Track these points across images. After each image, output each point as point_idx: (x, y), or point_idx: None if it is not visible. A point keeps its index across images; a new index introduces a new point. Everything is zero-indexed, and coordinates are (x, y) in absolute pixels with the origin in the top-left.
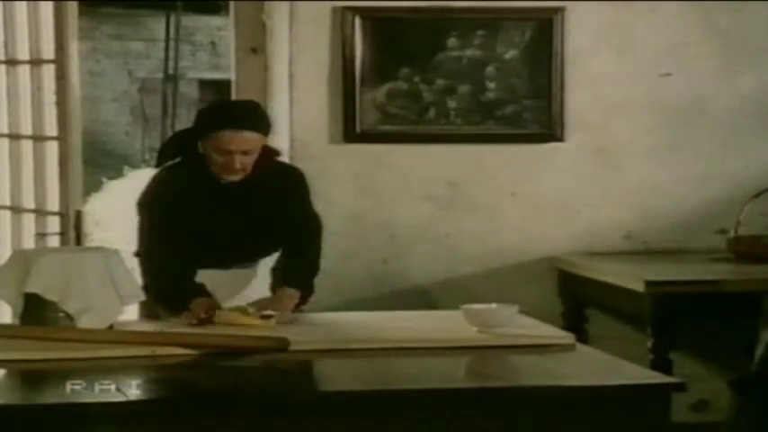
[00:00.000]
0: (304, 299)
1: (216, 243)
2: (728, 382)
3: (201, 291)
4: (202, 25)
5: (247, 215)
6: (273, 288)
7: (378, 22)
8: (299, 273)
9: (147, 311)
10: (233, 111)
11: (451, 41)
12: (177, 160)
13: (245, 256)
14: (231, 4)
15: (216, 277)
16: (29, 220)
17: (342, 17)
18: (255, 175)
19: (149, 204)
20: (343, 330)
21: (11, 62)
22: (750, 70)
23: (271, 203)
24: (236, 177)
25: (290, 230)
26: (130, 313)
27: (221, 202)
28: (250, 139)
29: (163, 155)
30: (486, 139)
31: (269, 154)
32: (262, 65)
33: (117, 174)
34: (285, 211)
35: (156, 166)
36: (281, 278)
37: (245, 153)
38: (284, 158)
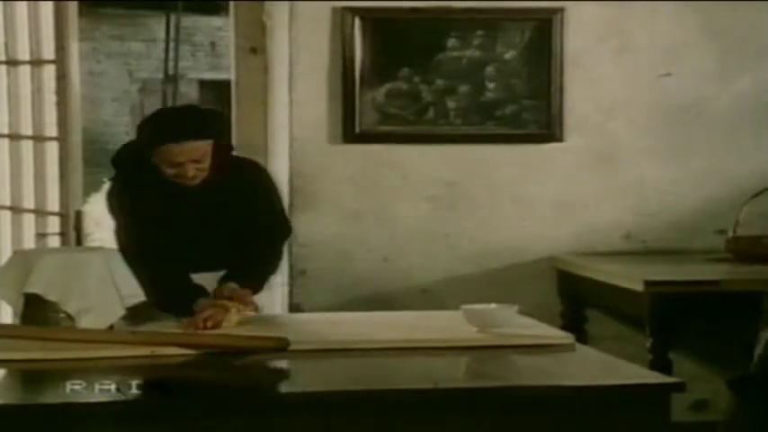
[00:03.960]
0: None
1: (187, 248)
2: (727, 382)
3: (202, 291)
4: (202, 25)
5: (215, 217)
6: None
7: (378, 22)
8: (248, 277)
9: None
10: (170, 123)
11: (451, 41)
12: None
13: (216, 260)
14: (231, 4)
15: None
16: (29, 221)
17: (342, 17)
18: (218, 175)
19: (121, 208)
20: (343, 330)
21: (11, 62)
22: (749, 71)
23: (238, 202)
24: (193, 184)
25: (254, 231)
26: None
27: (187, 207)
28: (196, 148)
29: (118, 166)
30: (486, 139)
31: (224, 151)
32: (262, 65)
33: None
34: (254, 209)
35: (114, 178)
36: (229, 273)
37: (195, 161)
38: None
